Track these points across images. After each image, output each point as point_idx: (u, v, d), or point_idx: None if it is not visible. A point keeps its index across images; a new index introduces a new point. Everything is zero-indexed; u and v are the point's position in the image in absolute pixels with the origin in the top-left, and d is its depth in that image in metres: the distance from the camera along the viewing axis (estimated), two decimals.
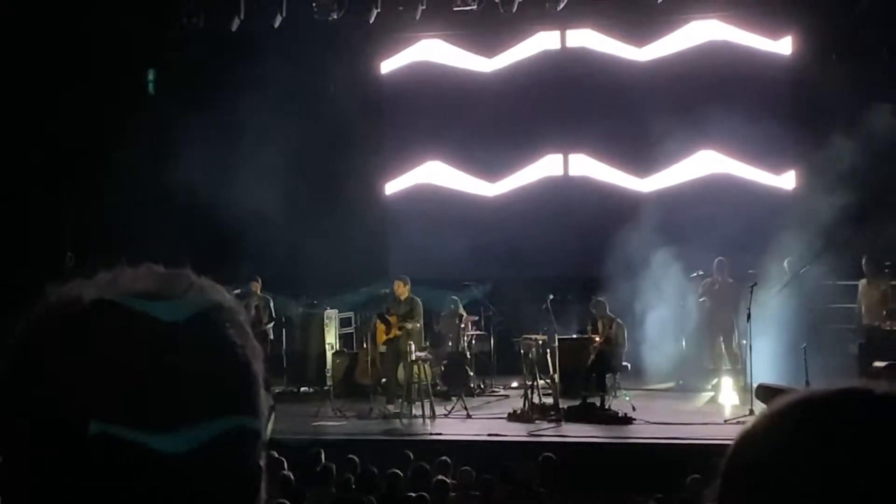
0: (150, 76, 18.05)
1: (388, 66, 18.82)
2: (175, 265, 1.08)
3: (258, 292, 15.54)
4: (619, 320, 14.11)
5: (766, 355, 13.79)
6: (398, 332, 14.10)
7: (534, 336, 13.98)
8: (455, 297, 15.58)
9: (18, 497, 0.99)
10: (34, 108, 15.98)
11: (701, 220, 15.34)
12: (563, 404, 13.39)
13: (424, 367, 13.75)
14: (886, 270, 14.09)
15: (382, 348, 14.52)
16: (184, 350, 0.99)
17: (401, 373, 13.99)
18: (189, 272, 1.08)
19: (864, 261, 14.03)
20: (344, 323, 16.87)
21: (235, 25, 16.82)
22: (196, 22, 16.91)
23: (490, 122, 18.04)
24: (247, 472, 1.03)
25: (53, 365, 0.98)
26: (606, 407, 13.30)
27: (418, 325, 14.27)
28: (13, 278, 12.97)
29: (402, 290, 14.35)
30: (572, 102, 17.78)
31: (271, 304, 15.68)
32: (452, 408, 13.67)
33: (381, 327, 14.47)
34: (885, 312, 13.76)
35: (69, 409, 0.95)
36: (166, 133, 16.73)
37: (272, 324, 15.73)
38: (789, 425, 1.01)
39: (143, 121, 16.90)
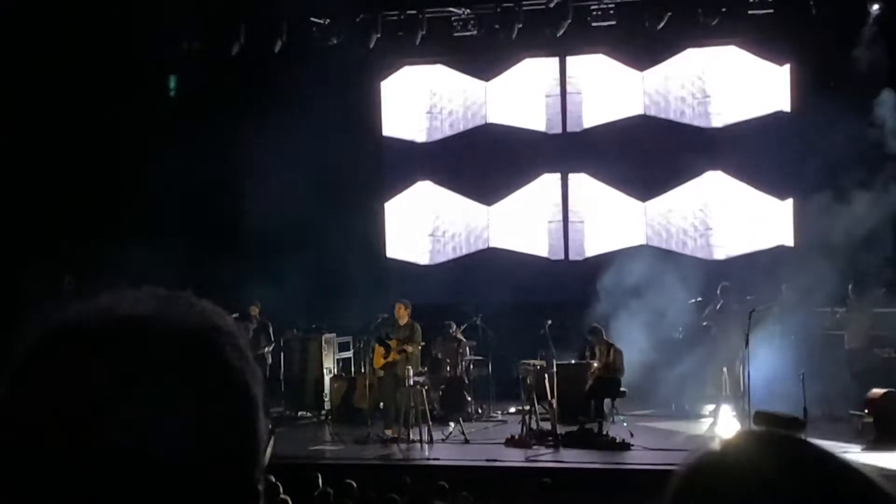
0: (172, 83, 18.10)
1: (387, 88, 18.90)
2: (176, 288, 1.09)
3: (257, 316, 15.57)
4: (617, 346, 14.07)
5: (765, 382, 13.78)
6: (397, 356, 14.06)
7: (532, 361, 13.96)
8: (451, 322, 15.56)
9: None
10: (37, 130, 16.04)
11: (701, 243, 15.37)
12: (561, 430, 13.35)
13: (423, 392, 13.72)
14: (881, 292, 14.12)
15: (381, 373, 14.49)
16: (181, 378, 0.99)
17: (399, 397, 13.94)
18: (189, 295, 1.08)
19: (850, 287, 14.08)
20: (342, 347, 16.85)
21: (235, 50, 16.89)
22: (196, 47, 16.98)
23: (488, 141, 18.11)
24: (245, 497, 1.04)
25: (44, 399, 0.98)
26: (604, 433, 13.26)
27: (418, 348, 14.25)
28: (12, 300, 12.96)
29: (403, 314, 14.30)
30: (570, 124, 17.87)
31: (270, 329, 15.70)
32: (450, 433, 13.64)
33: (378, 351, 14.42)
34: (870, 337, 13.86)
35: (59, 444, 0.96)
36: (166, 157, 16.76)
37: (271, 348, 15.74)
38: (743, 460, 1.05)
39: (144, 144, 16.93)
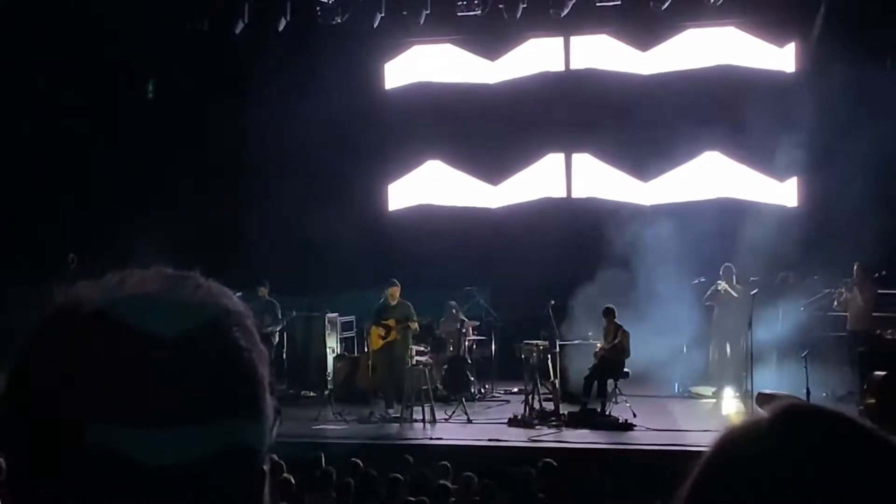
0: (150, 86, 18.08)
1: (391, 68, 18.86)
2: (184, 268, 1.09)
3: (265, 296, 15.55)
4: (624, 328, 14.02)
5: (768, 362, 13.81)
6: (397, 335, 14.09)
7: (535, 341, 13.97)
8: (453, 303, 15.56)
9: (22, 501, 0.99)
10: (36, 110, 16.02)
11: (704, 226, 15.33)
12: (564, 410, 13.38)
13: (425, 372, 13.74)
14: (876, 276, 14.13)
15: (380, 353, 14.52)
16: (189, 357, 0.99)
17: (401, 377, 13.92)
18: (197, 275, 1.08)
19: (855, 267, 14.06)
20: (345, 327, 16.86)
21: (239, 29, 16.84)
22: (200, 26, 16.93)
23: (492, 121, 18.08)
24: (251, 476, 1.04)
25: (53, 375, 0.98)
26: (607, 413, 13.29)
27: (416, 325, 14.27)
28: (16, 280, 12.98)
29: (395, 294, 14.33)
30: (576, 104, 17.83)
31: (277, 309, 15.68)
32: (453, 412, 13.66)
33: (376, 332, 14.41)
34: (872, 319, 13.88)
35: (68, 420, 0.95)
36: (170, 137, 16.77)
37: (279, 327, 15.72)
38: (774, 432, 1.04)
39: (147, 125, 16.93)
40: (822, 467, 1.00)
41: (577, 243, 16.50)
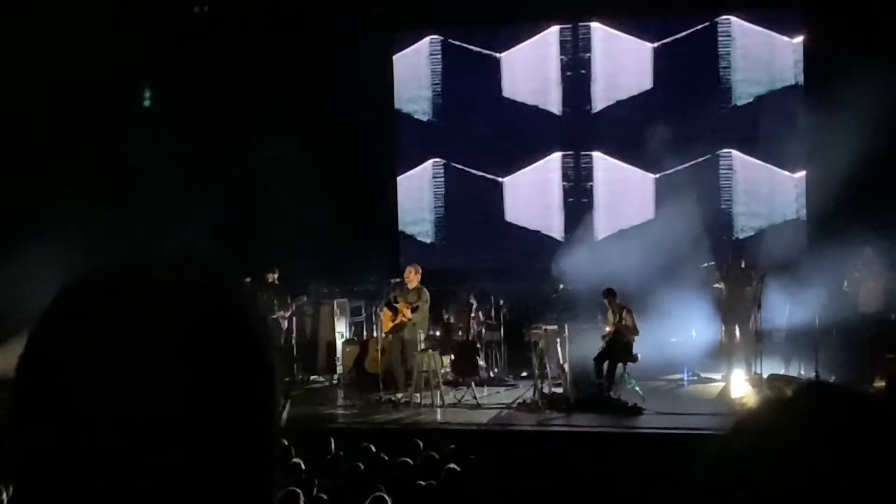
0: (147, 93, 18.09)
1: (400, 58, 18.80)
2: (195, 254, 1.09)
3: (275, 281, 15.56)
4: (629, 308, 14.01)
5: (777, 345, 13.78)
6: (405, 318, 14.08)
7: (544, 325, 13.96)
8: (465, 287, 15.56)
9: (29, 485, 0.99)
10: (41, 106, 16.02)
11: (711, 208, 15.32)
12: (573, 394, 13.38)
13: (434, 356, 13.75)
14: (888, 260, 14.13)
15: (390, 336, 14.52)
16: (199, 340, 0.99)
17: (410, 361, 13.94)
18: (208, 258, 1.08)
19: (866, 250, 14.05)
20: (354, 311, 16.89)
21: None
22: (205, 11, 16.91)
23: (500, 118, 18.03)
24: (262, 460, 1.04)
25: (57, 356, 0.98)
26: (616, 397, 13.28)
27: (426, 307, 14.24)
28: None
29: (413, 278, 14.31)
30: (582, 98, 17.78)
31: (287, 294, 15.70)
32: (462, 397, 13.69)
33: (387, 315, 14.42)
34: (884, 302, 13.86)
35: (76, 403, 0.96)
36: (179, 123, 16.75)
37: (288, 313, 15.72)
38: (792, 414, 1.04)
39: (159, 109, 16.92)
40: (857, 445, 0.99)
41: (584, 207, 16.42)
